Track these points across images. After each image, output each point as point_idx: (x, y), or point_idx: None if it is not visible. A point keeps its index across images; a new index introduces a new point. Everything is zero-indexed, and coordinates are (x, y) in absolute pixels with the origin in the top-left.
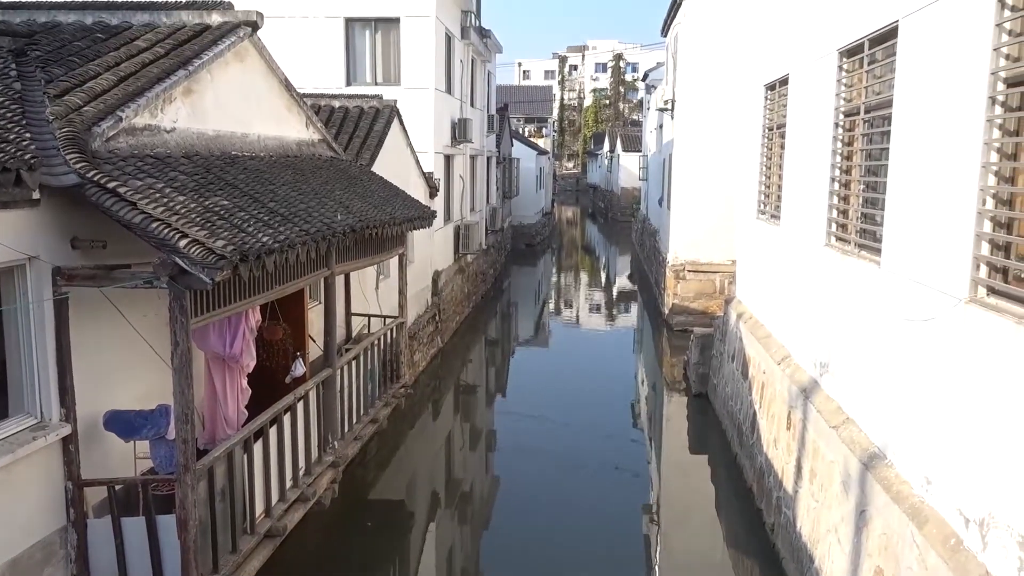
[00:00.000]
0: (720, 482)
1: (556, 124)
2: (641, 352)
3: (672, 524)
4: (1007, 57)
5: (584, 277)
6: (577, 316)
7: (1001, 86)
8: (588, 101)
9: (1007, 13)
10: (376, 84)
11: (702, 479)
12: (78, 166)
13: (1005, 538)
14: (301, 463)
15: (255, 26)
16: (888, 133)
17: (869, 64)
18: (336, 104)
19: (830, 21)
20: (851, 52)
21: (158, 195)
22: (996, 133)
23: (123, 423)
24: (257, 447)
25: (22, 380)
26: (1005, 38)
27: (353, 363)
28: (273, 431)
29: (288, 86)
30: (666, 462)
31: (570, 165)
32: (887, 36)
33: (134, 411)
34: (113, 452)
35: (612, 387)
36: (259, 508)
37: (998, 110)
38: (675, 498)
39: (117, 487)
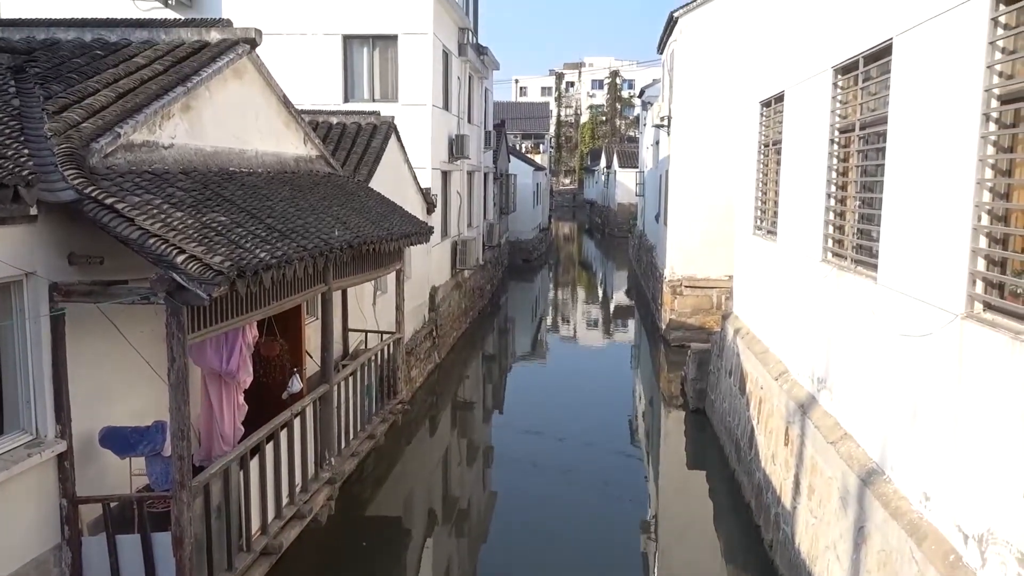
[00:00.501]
0: (718, 498)
1: (553, 140)
2: (638, 368)
3: (670, 540)
4: (1000, 74)
5: (581, 293)
6: (574, 331)
7: (995, 103)
8: (585, 117)
9: (1000, 31)
10: (374, 100)
11: (700, 495)
12: (76, 182)
13: (1004, 554)
14: (298, 480)
15: (253, 43)
16: (883, 149)
17: (864, 81)
18: (334, 120)
19: (824, 39)
20: (846, 69)
21: (156, 211)
22: (991, 149)
23: (119, 440)
24: (253, 464)
25: (18, 396)
26: (998, 55)
27: (350, 379)
28: (270, 447)
29: (286, 102)
30: (664, 478)
31: (567, 181)
32: (881, 53)
33: (130, 427)
34: (109, 469)
35: (609, 403)
36: (255, 525)
37: (992, 127)
38: (673, 514)
39: (112, 504)
